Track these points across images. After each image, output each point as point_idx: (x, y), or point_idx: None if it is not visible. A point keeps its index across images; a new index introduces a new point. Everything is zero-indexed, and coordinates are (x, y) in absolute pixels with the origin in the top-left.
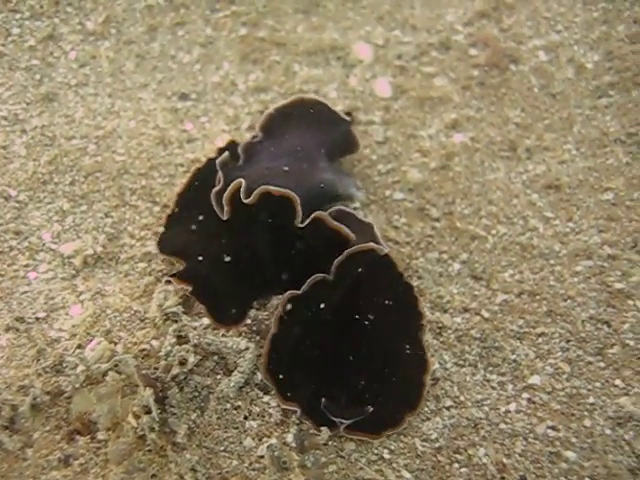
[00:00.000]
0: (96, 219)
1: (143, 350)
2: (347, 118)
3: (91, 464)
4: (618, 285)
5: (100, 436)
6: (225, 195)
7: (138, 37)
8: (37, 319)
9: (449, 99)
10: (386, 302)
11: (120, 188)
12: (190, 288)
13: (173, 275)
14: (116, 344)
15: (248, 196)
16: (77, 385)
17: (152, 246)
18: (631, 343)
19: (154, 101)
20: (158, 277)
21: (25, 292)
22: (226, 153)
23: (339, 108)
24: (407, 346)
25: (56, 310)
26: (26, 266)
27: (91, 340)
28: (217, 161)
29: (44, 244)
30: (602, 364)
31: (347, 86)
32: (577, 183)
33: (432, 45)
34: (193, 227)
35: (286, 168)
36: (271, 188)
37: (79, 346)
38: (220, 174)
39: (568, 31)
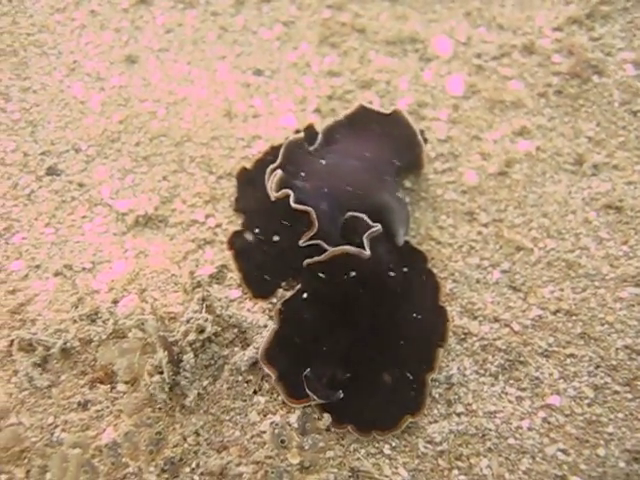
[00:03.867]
0: (153, 181)
1: (170, 313)
2: (424, 145)
3: (106, 412)
4: None
5: (119, 387)
6: (271, 184)
7: (224, 10)
8: (83, 269)
9: (522, 104)
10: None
11: (181, 154)
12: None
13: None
14: (147, 303)
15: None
16: (104, 337)
17: (200, 214)
18: None
19: (229, 73)
20: (200, 244)
21: (78, 242)
22: (299, 135)
23: (407, 102)
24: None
25: (101, 263)
26: (83, 217)
27: (126, 296)
28: (287, 141)
29: (102, 199)
30: (629, 395)
31: (419, 80)
32: None
33: (515, 47)
34: (259, 195)
35: (358, 172)
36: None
37: (114, 300)
38: (282, 151)
39: None
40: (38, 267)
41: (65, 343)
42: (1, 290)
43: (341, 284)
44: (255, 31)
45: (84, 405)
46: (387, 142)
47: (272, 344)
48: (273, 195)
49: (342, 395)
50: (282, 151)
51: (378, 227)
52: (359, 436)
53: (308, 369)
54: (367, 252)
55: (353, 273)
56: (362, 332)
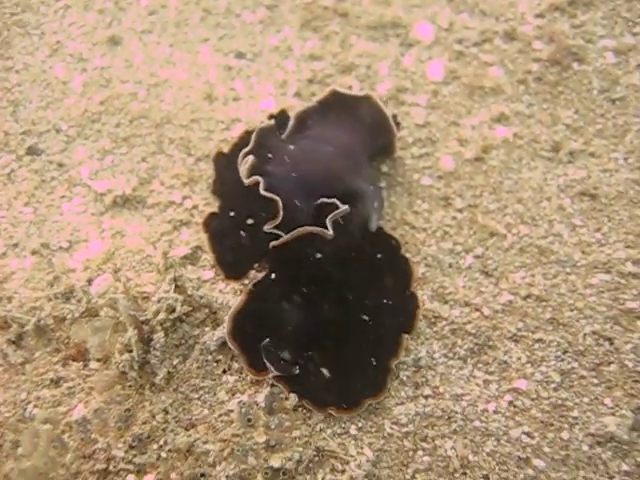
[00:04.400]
0: (132, 162)
1: (143, 292)
2: (396, 130)
3: (78, 389)
4: (631, 304)
5: (91, 365)
6: (243, 170)
7: None
8: (60, 248)
9: (501, 91)
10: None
11: (160, 136)
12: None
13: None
14: (120, 282)
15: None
16: (77, 315)
17: (178, 196)
18: (629, 364)
19: (211, 56)
20: (176, 226)
21: (56, 221)
22: (271, 121)
23: (386, 87)
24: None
25: (78, 242)
26: (62, 197)
27: (100, 275)
28: (258, 127)
29: (81, 179)
30: (595, 380)
31: (400, 65)
32: (615, 194)
33: (497, 33)
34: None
35: (331, 157)
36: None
37: (89, 279)
38: (254, 136)
39: None
40: (16, 245)
41: (39, 321)
42: None
43: (307, 265)
44: (238, 14)
45: (56, 382)
46: (360, 127)
47: (237, 318)
48: (244, 181)
49: (297, 371)
50: (254, 137)
51: (344, 208)
52: (315, 411)
53: (267, 339)
54: (330, 232)
55: (318, 255)
56: (328, 314)
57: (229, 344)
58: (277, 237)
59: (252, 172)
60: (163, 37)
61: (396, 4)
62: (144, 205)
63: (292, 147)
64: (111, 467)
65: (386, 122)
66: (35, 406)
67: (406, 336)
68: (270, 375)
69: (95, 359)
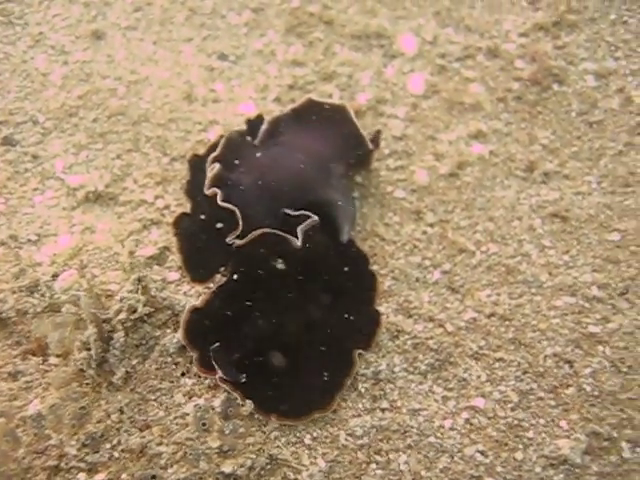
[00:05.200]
0: (107, 159)
1: (108, 290)
2: (369, 145)
3: (35, 384)
4: (593, 328)
5: (51, 360)
6: (207, 180)
7: None
8: (29, 240)
9: (480, 108)
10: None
11: (137, 134)
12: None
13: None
14: (84, 279)
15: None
16: (39, 309)
17: (150, 194)
18: (588, 388)
19: (194, 56)
20: (146, 225)
21: (26, 213)
22: (242, 127)
23: (366, 97)
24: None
25: (47, 236)
26: (35, 189)
27: (66, 270)
28: (228, 134)
29: (55, 172)
30: (552, 402)
31: (381, 76)
32: (586, 217)
33: (480, 50)
34: None
35: (301, 166)
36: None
37: (54, 274)
38: (222, 142)
39: (627, 60)
40: None
41: (1, 313)
42: None
43: (268, 270)
44: (224, 15)
45: (14, 375)
46: (332, 137)
47: (194, 314)
48: (205, 191)
49: (244, 379)
50: (222, 142)
51: (314, 219)
52: (257, 414)
53: (217, 343)
54: (295, 240)
55: (280, 261)
56: (285, 322)
57: (182, 338)
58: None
59: (215, 181)
60: (147, 34)
61: (382, 15)
62: (116, 202)
63: (261, 154)
64: (63, 464)
65: (358, 135)
66: None
67: (360, 352)
68: (217, 376)
69: (55, 355)
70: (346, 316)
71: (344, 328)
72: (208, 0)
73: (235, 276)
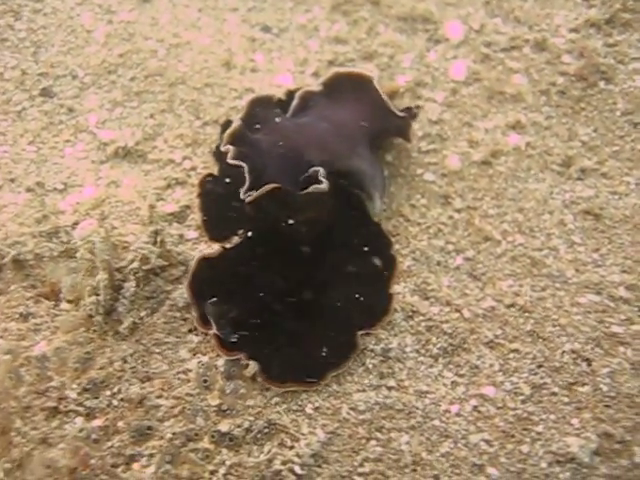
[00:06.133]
0: (141, 117)
1: (125, 242)
2: (399, 113)
3: (44, 326)
4: (616, 329)
5: (62, 305)
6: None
7: None
8: (55, 189)
9: (522, 99)
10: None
11: (172, 95)
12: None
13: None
14: (102, 228)
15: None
16: (55, 254)
17: (179, 155)
18: (604, 388)
19: (237, 26)
20: (171, 184)
21: (56, 163)
22: (266, 94)
23: (405, 79)
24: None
25: (73, 186)
26: (66, 141)
27: (86, 220)
28: (255, 96)
29: (88, 126)
30: (566, 399)
31: (423, 59)
32: (621, 217)
33: (527, 42)
34: None
35: (326, 134)
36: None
37: (75, 222)
38: (247, 103)
39: None
40: (13, 181)
41: (19, 255)
42: None
43: (278, 229)
44: None
45: (25, 317)
46: (359, 107)
47: (202, 266)
48: (221, 147)
49: (234, 339)
50: (248, 103)
51: (322, 186)
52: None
53: (214, 298)
54: (298, 194)
55: (291, 221)
56: (293, 290)
57: (186, 290)
58: None
59: (232, 138)
60: (193, 1)
61: (430, 0)
62: (144, 160)
63: (286, 119)
64: (62, 406)
65: (382, 105)
66: (0, 337)
67: (363, 333)
68: (211, 332)
69: (66, 300)
70: (357, 294)
71: (352, 305)
72: None
73: (249, 234)
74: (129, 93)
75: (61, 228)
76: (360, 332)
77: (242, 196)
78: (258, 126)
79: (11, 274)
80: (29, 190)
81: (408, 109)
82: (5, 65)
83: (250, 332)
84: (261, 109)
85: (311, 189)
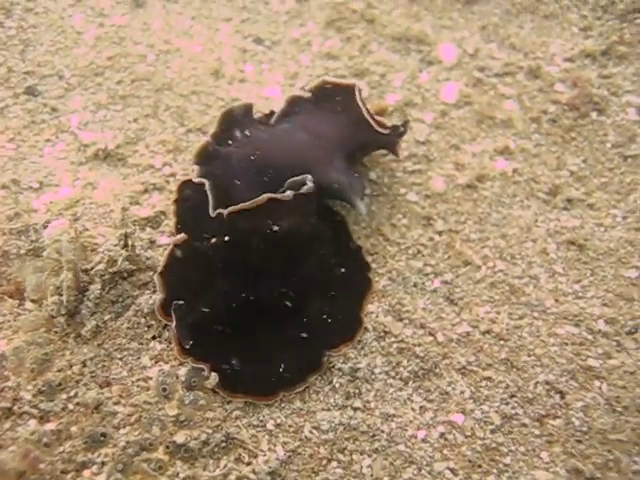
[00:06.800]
0: (124, 121)
1: (95, 244)
2: (379, 129)
3: (6, 325)
4: (593, 362)
5: (27, 305)
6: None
7: None
8: (30, 187)
9: (512, 125)
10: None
11: (157, 101)
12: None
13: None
14: (73, 229)
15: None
16: (22, 252)
17: (159, 161)
18: (576, 422)
19: (229, 36)
20: (148, 189)
21: (34, 162)
22: (241, 104)
23: (395, 99)
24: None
25: (49, 186)
26: (47, 140)
27: (58, 219)
28: (227, 108)
29: (70, 127)
30: (537, 431)
31: (414, 80)
32: (605, 250)
33: (521, 68)
34: None
35: (302, 145)
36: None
37: (47, 221)
38: (221, 115)
39: None
40: None
41: None
42: None
43: (259, 240)
44: (267, 2)
45: None
46: (340, 119)
47: (175, 256)
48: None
49: (189, 345)
50: (221, 116)
51: (309, 185)
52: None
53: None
54: (288, 194)
55: (275, 227)
56: (262, 302)
57: (156, 277)
58: None
59: (200, 155)
60: (187, 9)
61: (426, 21)
62: (124, 164)
63: (261, 130)
64: (16, 408)
65: (363, 119)
66: None
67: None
68: (172, 325)
69: (30, 299)
70: (325, 314)
71: (319, 325)
72: None
73: (226, 238)
74: (114, 96)
75: (31, 226)
76: (325, 353)
77: (211, 214)
78: (235, 136)
79: None
80: (4, 187)
81: (395, 127)
82: None
83: (210, 337)
84: (237, 119)
85: (302, 190)
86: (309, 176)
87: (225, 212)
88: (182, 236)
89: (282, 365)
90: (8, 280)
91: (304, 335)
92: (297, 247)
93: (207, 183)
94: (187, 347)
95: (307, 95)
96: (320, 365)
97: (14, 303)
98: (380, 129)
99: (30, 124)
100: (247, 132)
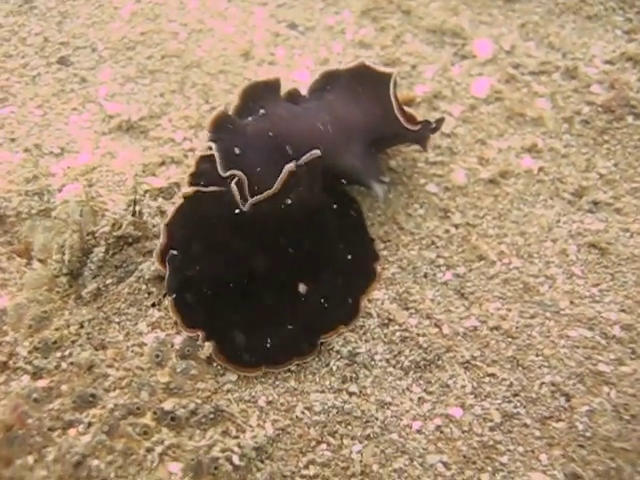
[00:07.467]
0: (150, 95)
1: (105, 210)
2: (406, 124)
3: (11, 282)
4: (603, 367)
5: (34, 265)
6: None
7: None
8: (51, 152)
9: (542, 123)
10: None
11: (185, 78)
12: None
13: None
14: (85, 192)
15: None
16: (34, 212)
17: (180, 135)
18: (580, 427)
19: (264, 20)
20: (166, 161)
21: (58, 129)
22: (262, 80)
23: (424, 90)
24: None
25: (70, 152)
26: (73, 109)
27: (72, 184)
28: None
29: (97, 98)
30: (538, 433)
31: (446, 72)
32: (628, 256)
33: (557, 68)
34: None
35: (320, 126)
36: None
37: (62, 185)
38: (242, 90)
39: None
40: (13, 140)
41: (1, 209)
42: None
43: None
44: None
45: None
46: (369, 106)
47: (186, 204)
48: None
49: (173, 296)
50: (243, 89)
51: (315, 152)
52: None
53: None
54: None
55: (288, 201)
56: (263, 272)
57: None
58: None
59: (214, 125)
60: None
61: (464, 16)
62: (145, 136)
63: (283, 107)
64: (11, 362)
65: (390, 110)
66: None
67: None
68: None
69: (37, 259)
70: (323, 298)
71: (316, 307)
72: None
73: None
74: (143, 70)
75: (46, 188)
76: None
77: (221, 173)
78: (257, 110)
79: None
80: (26, 151)
81: (427, 122)
82: (29, 31)
83: (199, 298)
84: (260, 94)
85: (306, 157)
86: (317, 151)
87: (247, 205)
88: (192, 189)
89: (269, 341)
90: (19, 239)
91: (298, 316)
92: (301, 220)
93: (215, 145)
94: (172, 299)
95: (341, 72)
96: (308, 350)
97: (22, 262)
98: (409, 125)
99: (59, 92)
100: (268, 107)
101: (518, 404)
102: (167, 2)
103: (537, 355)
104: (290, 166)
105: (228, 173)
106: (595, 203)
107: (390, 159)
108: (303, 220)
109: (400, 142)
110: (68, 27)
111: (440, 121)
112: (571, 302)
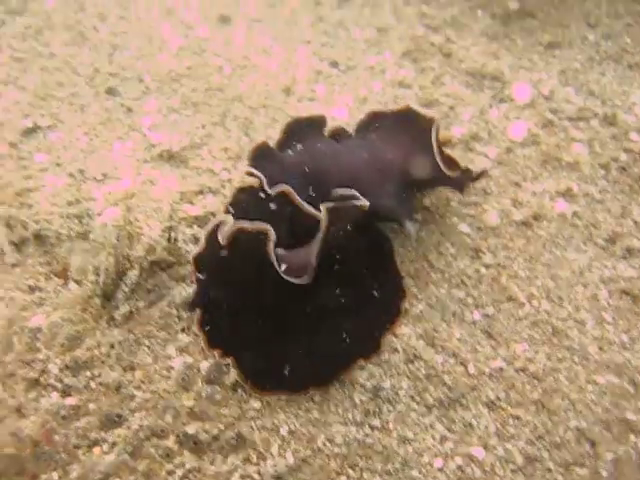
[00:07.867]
0: (192, 126)
1: (141, 234)
2: (446, 171)
3: (48, 302)
4: (630, 416)
5: (70, 285)
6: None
7: (328, 2)
8: (94, 178)
9: (578, 168)
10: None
11: (227, 110)
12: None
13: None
14: (122, 217)
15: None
16: (73, 235)
17: (219, 166)
18: (604, 474)
19: (306, 58)
20: (203, 190)
21: (103, 156)
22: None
23: (461, 131)
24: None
25: (112, 178)
26: (119, 137)
27: (112, 208)
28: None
29: (142, 127)
30: (561, 478)
31: (484, 115)
32: None
33: (596, 115)
34: None
35: (358, 164)
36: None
37: (102, 209)
38: (286, 125)
39: None
40: (58, 165)
41: (41, 231)
42: (20, 174)
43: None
44: (348, 28)
45: (32, 289)
46: (409, 148)
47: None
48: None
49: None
50: (287, 124)
51: (364, 202)
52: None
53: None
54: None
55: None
56: (289, 300)
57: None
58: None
59: (255, 152)
60: (270, 29)
61: (504, 60)
62: (186, 165)
63: (324, 143)
64: (42, 379)
65: (432, 155)
66: (6, 305)
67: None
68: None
69: (74, 280)
70: (345, 332)
71: (337, 340)
72: (338, 11)
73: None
74: (187, 102)
75: (86, 212)
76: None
77: (270, 192)
78: (297, 144)
79: (32, 249)
80: (71, 175)
81: (468, 170)
82: (81, 61)
83: (221, 320)
84: (303, 130)
85: (354, 202)
86: (366, 202)
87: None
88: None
89: (287, 368)
90: (57, 260)
91: (318, 348)
92: (330, 256)
93: (255, 170)
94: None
95: (386, 114)
96: (324, 382)
97: (59, 282)
98: (449, 172)
99: (106, 121)
100: (308, 142)
101: (542, 447)
102: (213, 38)
103: (563, 399)
104: (329, 206)
105: (277, 190)
106: (629, 250)
107: (424, 197)
108: (332, 256)
109: (438, 185)
110: (118, 59)
111: (482, 174)
112: (600, 348)
